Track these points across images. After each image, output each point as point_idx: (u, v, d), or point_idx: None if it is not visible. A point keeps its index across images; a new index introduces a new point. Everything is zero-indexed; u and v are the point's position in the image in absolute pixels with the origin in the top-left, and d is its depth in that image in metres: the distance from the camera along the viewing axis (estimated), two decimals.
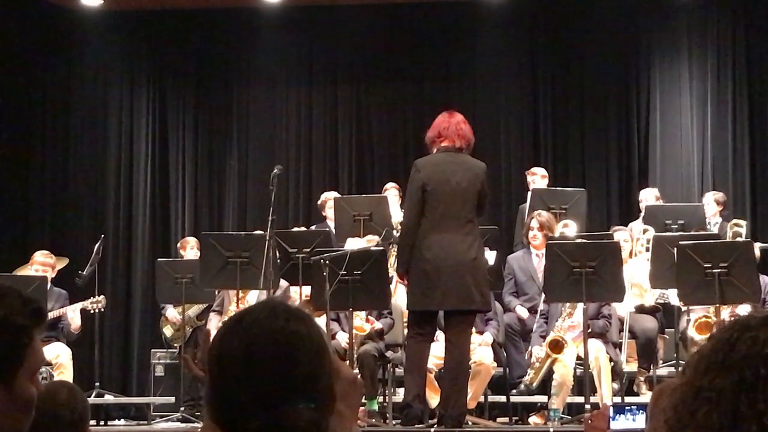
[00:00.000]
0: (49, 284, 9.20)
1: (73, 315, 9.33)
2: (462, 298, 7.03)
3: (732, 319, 7.69)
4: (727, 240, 8.84)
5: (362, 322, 8.38)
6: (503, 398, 8.92)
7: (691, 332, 8.28)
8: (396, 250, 8.15)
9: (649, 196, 10.56)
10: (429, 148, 7.40)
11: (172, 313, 10.33)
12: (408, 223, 7.26)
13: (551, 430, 7.55)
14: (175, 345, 10.43)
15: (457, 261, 7.00)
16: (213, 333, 8.98)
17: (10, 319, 1.75)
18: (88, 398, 3.74)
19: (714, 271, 7.42)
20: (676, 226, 9.41)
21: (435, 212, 7.09)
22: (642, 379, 8.73)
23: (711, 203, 10.26)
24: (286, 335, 1.79)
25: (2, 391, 1.74)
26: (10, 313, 1.75)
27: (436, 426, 7.10)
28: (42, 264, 9.39)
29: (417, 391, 7.13)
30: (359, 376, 7.66)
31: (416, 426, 7.15)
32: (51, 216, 12.84)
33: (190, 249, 10.56)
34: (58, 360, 9.10)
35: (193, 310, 9.98)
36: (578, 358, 8.05)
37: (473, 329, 7.56)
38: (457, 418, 7.04)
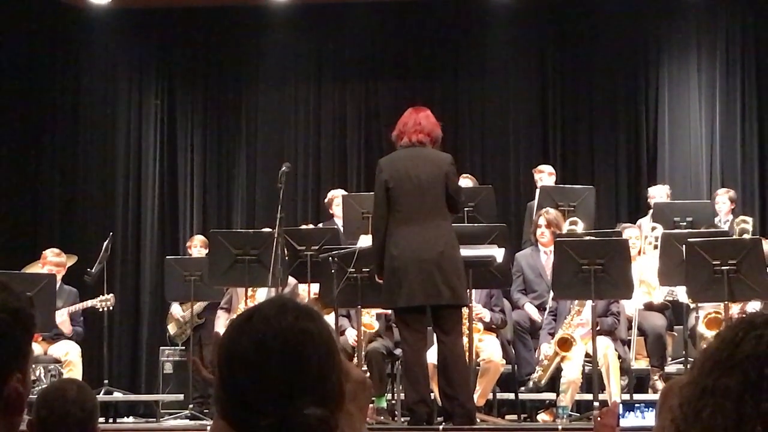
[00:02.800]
0: (58, 282, 9.23)
1: (62, 320, 9.27)
2: (429, 294, 6.90)
3: (739, 316, 7.69)
4: (736, 237, 8.82)
5: (371, 319, 8.38)
6: (512, 395, 8.92)
7: (701, 328, 8.27)
8: None
9: (659, 193, 10.53)
10: (395, 146, 7.35)
11: (176, 310, 10.34)
12: (374, 224, 7.19)
13: (560, 427, 7.54)
14: (179, 342, 10.44)
15: (423, 255, 6.87)
16: (218, 330, 9.01)
17: (23, 310, 1.77)
18: (97, 396, 3.75)
19: (723, 268, 7.41)
20: (685, 224, 9.39)
21: (400, 209, 6.98)
22: (656, 377, 8.72)
23: (726, 201, 10.20)
24: (295, 333, 1.79)
25: (21, 382, 1.76)
26: (21, 306, 1.77)
27: (444, 424, 7.09)
28: (54, 264, 9.42)
29: (418, 396, 7.01)
30: (368, 375, 7.69)
31: (424, 425, 7.11)
32: (60, 213, 12.86)
33: (194, 248, 10.56)
34: (67, 357, 9.13)
35: (195, 308, 9.99)
36: (587, 355, 8.05)
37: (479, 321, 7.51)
38: (467, 415, 6.99)
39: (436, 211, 6.98)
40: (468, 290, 7.35)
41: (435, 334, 7.21)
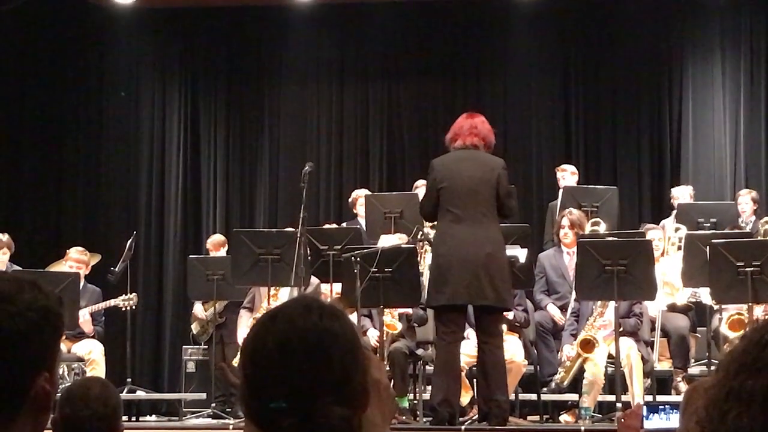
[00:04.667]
0: (82, 281, 9.27)
1: (84, 320, 9.30)
2: (473, 294, 6.98)
3: (764, 318, 7.63)
4: (760, 238, 8.77)
5: (394, 320, 8.38)
6: (534, 396, 8.90)
7: (724, 329, 8.23)
8: (426, 247, 8.18)
9: (683, 194, 10.49)
10: (447, 150, 7.42)
11: (198, 309, 10.37)
12: (423, 214, 7.46)
13: (582, 428, 7.53)
14: (201, 341, 10.47)
15: (470, 256, 6.96)
16: (241, 329, 9.03)
17: (53, 310, 1.78)
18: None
19: (747, 269, 7.38)
20: (709, 225, 9.36)
21: (450, 209, 7.10)
22: (679, 378, 8.68)
23: (749, 202, 10.16)
24: (319, 332, 1.79)
25: (49, 381, 1.77)
26: (51, 305, 1.78)
27: (467, 424, 7.09)
28: (76, 261, 9.46)
29: (444, 395, 7.05)
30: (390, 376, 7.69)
31: (446, 426, 7.12)
32: (84, 212, 12.92)
33: (214, 250, 10.57)
34: (91, 356, 9.16)
35: (216, 306, 10.02)
36: (609, 356, 8.03)
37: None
38: (502, 416, 7.03)
39: (485, 213, 7.08)
40: (511, 294, 7.41)
41: (476, 336, 7.22)
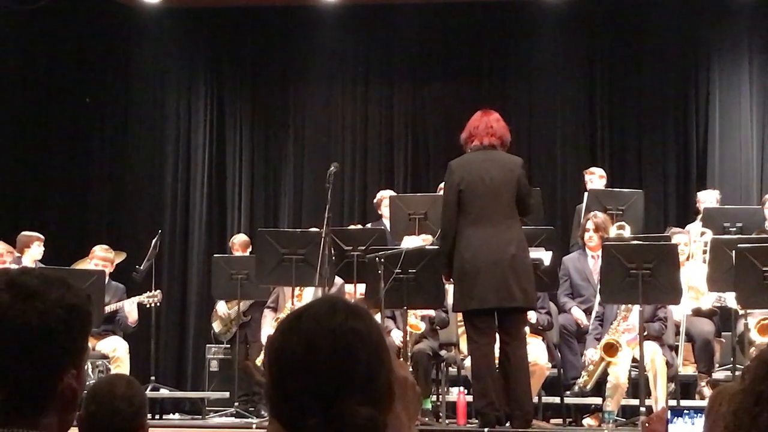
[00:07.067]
0: (107, 278, 9.32)
1: (130, 309, 9.46)
2: (502, 296, 6.95)
3: None
4: None
5: (417, 320, 8.38)
6: (557, 399, 8.87)
7: (753, 335, 8.19)
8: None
9: (709, 198, 10.43)
10: (463, 149, 7.37)
11: (221, 308, 10.39)
12: (444, 225, 7.25)
13: None
14: (224, 340, 10.49)
15: (495, 258, 6.94)
16: (265, 329, 9.04)
17: (81, 307, 1.79)
18: None
19: None
20: (734, 229, 9.31)
21: (471, 211, 7.05)
22: (703, 383, 8.64)
23: None
24: (344, 332, 1.79)
25: (76, 379, 1.77)
26: (79, 302, 1.79)
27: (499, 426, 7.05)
28: (101, 258, 9.51)
29: (488, 398, 7.00)
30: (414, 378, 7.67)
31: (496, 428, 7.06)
32: (109, 211, 12.98)
33: (240, 251, 10.59)
34: (115, 353, 9.20)
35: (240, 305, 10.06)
36: (633, 360, 8.00)
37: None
38: (525, 418, 7.00)
39: (507, 214, 7.05)
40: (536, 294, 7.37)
41: (499, 338, 7.18)
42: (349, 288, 8.52)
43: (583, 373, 8.28)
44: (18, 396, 1.73)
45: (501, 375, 7.15)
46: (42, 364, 1.73)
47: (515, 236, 7.05)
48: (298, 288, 8.57)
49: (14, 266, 8.78)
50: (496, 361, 7.16)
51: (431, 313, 8.35)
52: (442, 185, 10.24)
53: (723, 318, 9.16)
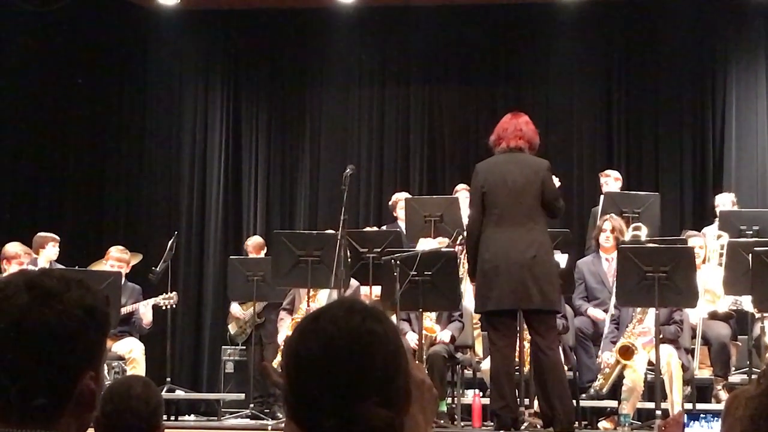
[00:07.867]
0: (123, 279, 9.35)
1: (145, 310, 9.49)
2: (519, 298, 6.93)
3: None
4: None
5: (432, 323, 8.38)
6: (573, 402, 8.85)
7: None
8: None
9: (725, 201, 10.40)
10: (492, 151, 7.38)
11: (236, 309, 10.40)
12: (470, 227, 7.32)
13: None
14: (239, 342, 10.50)
15: (515, 259, 6.93)
16: (282, 331, 9.05)
17: (100, 308, 1.79)
18: None
19: None
20: (751, 232, 9.28)
21: (494, 213, 7.07)
22: (719, 387, 8.62)
23: None
24: (362, 334, 1.79)
25: (94, 380, 1.78)
26: (97, 304, 1.79)
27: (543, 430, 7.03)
28: (117, 260, 9.54)
29: (504, 400, 6.98)
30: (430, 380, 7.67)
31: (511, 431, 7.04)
32: (125, 212, 13.02)
33: (254, 252, 10.61)
34: (131, 355, 9.22)
35: (257, 306, 10.07)
36: (649, 363, 7.98)
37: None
38: (567, 420, 6.97)
39: (530, 216, 7.04)
40: (559, 296, 7.34)
41: (530, 340, 7.17)
42: (364, 290, 8.53)
43: (599, 376, 8.27)
44: (36, 396, 1.73)
45: (535, 378, 7.12)
46: (60, 365, 1.73)
47: (537, 238, 7.02)
48: (312, 290, 8.58)
49: (32, 267, 8.82)
50: (527, 363, 7.16)
51: (445, 337, 8.33)
52: (457, 187, 10.33)
53: (739, 321, 9.13)
